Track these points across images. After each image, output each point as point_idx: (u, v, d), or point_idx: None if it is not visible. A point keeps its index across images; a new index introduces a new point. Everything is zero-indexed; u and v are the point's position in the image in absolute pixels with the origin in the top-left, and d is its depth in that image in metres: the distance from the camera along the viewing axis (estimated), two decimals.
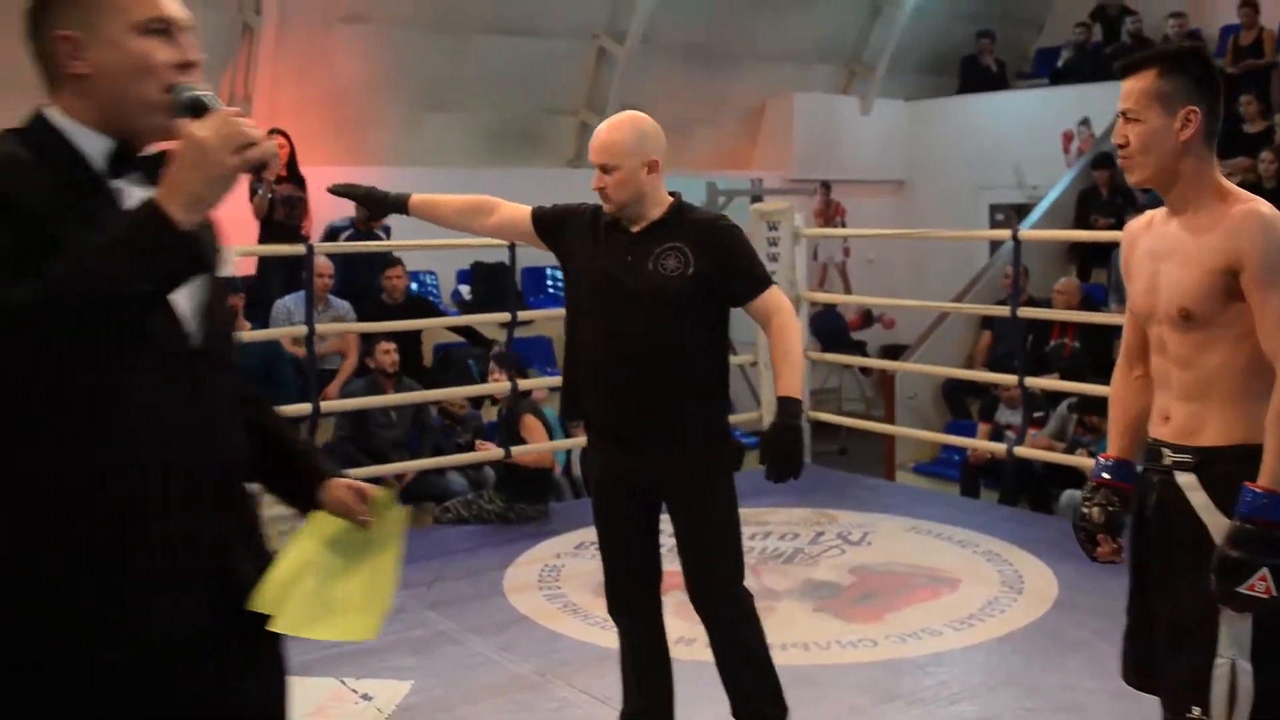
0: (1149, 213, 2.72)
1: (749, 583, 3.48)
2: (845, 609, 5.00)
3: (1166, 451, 2.58)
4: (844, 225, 12.72)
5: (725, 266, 3.28)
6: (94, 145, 1.76)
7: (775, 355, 3.29)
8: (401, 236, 9.08)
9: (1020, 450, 6.58)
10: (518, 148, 11.11)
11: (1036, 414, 7.40)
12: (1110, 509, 2.73)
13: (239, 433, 1.89)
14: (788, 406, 3.20)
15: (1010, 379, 6.77)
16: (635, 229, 3.32)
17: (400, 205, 3.64)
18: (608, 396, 3.36)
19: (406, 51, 10.05)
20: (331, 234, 8.65)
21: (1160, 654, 2.60)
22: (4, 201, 1.64)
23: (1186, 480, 2.53)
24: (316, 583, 1.84)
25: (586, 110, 11.44)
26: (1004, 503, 7.44)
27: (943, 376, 9.08)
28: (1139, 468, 2.72)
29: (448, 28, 10.17)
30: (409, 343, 7.89)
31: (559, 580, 5.45)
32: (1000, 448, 6.90)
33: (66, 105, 1.76)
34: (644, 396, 3.29)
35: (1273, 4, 10.78)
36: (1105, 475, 2.77)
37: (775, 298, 3.33)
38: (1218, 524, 2.47)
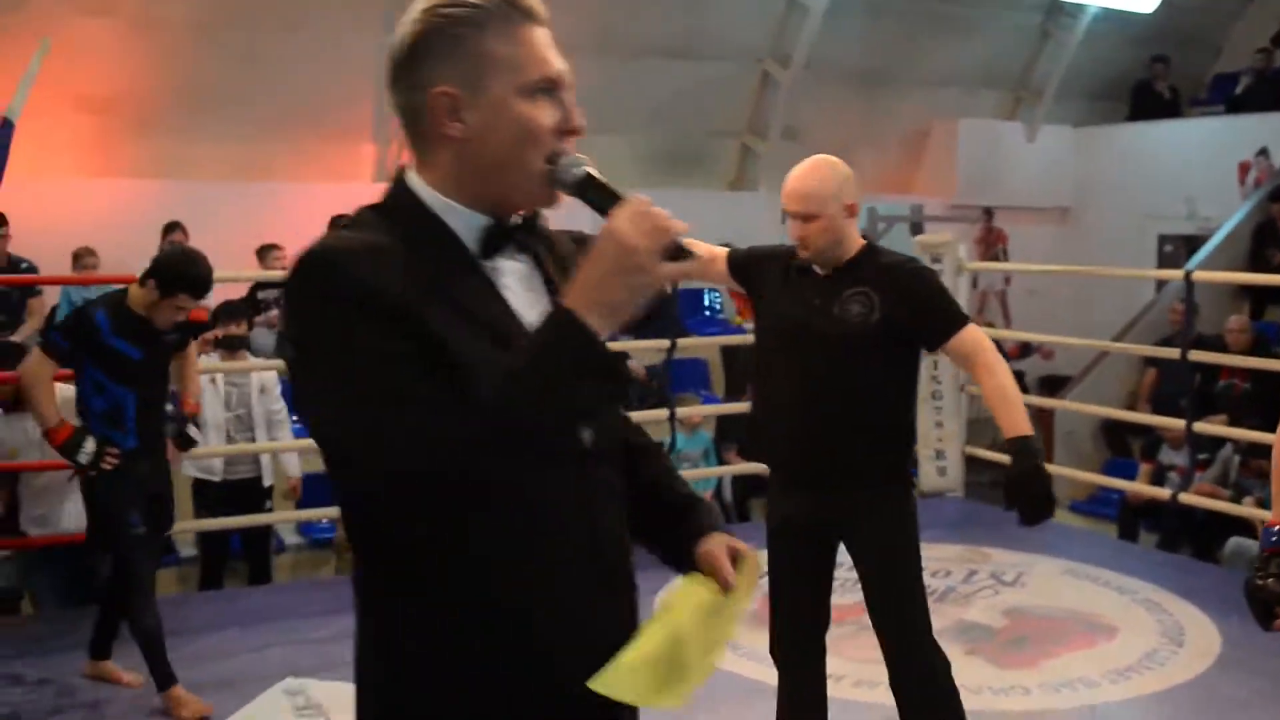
0: None
1: (859, 612, 3.46)
2: (998, 653, 4.96)
3: None
4: (1006, 252, 12.53)
5: (916, 309, 3.23)
6: (465, 222, 1.57)
7: (989, 396, 3.19)
8: None
9: (1185, 497, 6.39)
10: (680, 170, 11.22)
11: (1201, 455, 7.20)
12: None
13: (623, 528, 1.70)
14: (1024, 446, 3.07)
15: (1177, 423, 6.59)
16: (825, 272, 3.30)
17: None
18: (792, 438, 3.34)
19: (573, 74, 10.21)
20: None
21: None
22: (389, 302, 1.44)
23: None
24: (674, 651, 1.61)
25: (749, 134, 11.50)
26: (1164, 548, 7.26)
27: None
28: None
29: (613, 51, 10.31)
30: None
31: None
32: (1163, 493, 6.73)
33: (432, 172, 1.58)
34: (827, 440, 3.26)
35: None
36: (1276, 542, 2.71)
37: (974, 336, 3.23)
38: None
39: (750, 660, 4.87)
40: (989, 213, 12.51)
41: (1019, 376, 11.80)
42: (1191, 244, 11.37)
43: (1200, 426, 6.43)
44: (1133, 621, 5.32)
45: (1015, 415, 3.10)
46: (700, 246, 3.57)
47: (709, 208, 10.93)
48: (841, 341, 3.22)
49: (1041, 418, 9.72)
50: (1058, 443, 9.10)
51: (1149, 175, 12.41)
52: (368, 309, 1.43)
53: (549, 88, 1.59)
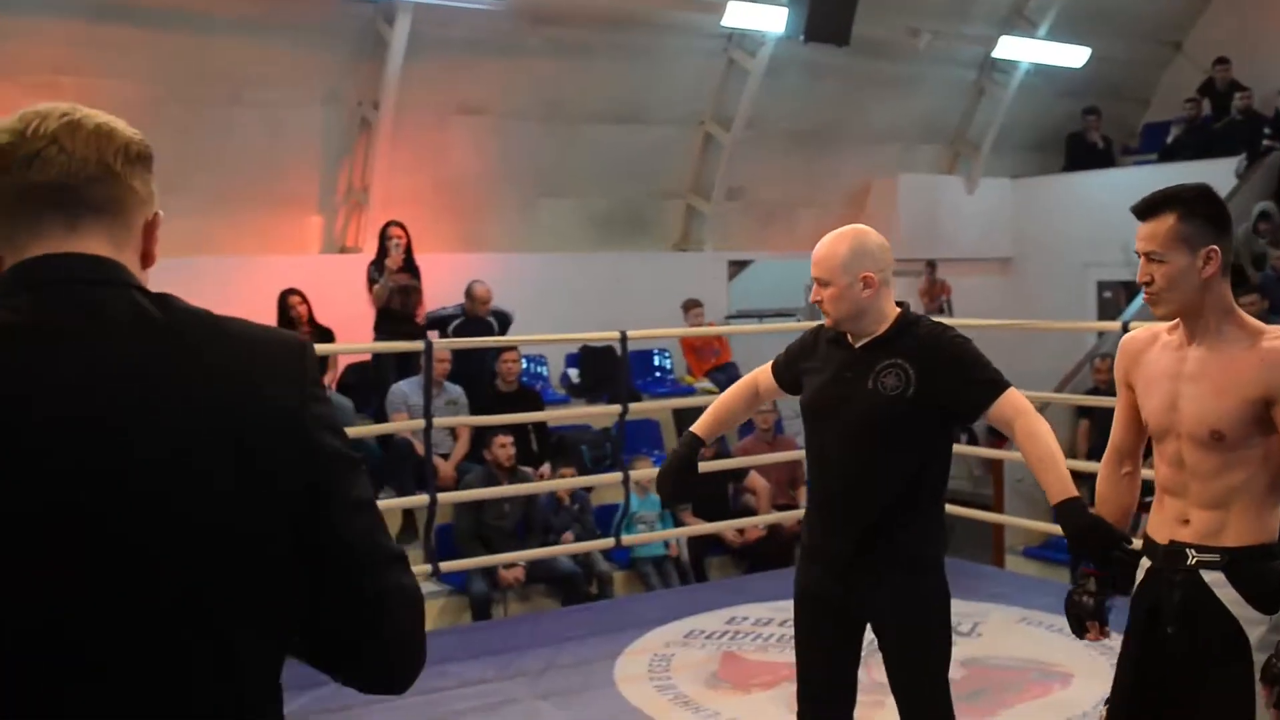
0: (1150, 327, 2.91)
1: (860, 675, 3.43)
2: (957, 706, 4.97)
3: (1191, 552, 2.75)
4: (949, 303, 12.70)
5: (953, 379, 3.17)
6: None
7: (1032, 462, 3.12)
8: (513, 325, 9.33)
9: (1135, 542, 6.47)
10: (627, 232, 11.32)
11: (1147, 499, 7.30)
12: (1100, 597, 2.95)
13: None
14: (1075, 507, 3.01)
15: None
16: (858, 345, 3.25)
17: (697, 446, 3.58)
18: (822, 515, 3.33)
19: (519, 141, 10.34)
20: (440, 321, 8.91)
21: None
22: None
23: (1214, 578, 2.71)
24: None
25: (693, 194, 11.63)
26: (1118, 592, 7.33)
27: None
28: (1149, 566, 2.88)
29: (559, 117, 10.44)
30: (521, 430, 8.07)
31: (669, 670, 5.51)
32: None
33: None
34: (855, 520, 3.21)
35: None
36: (1092, 566, 2.99)
37: (1014, 400, 3.16)
38: (1249, 617, 2.67)
39: None
40: (932, 265, 12.70)
41: (965, 427, 11.98)
42: (1131, 289, 11.58)
43: (1148, 473, 6.53)
44: (1087, 667, 5.38)
45: (1060, 478, 3.05)
46: (762, 378, 3.59)
47: (656, 268, 11.05)
48: (871, 417, 3.16)
49: (991, 466, 9.83)
50: (1008, 490, 9.19)
51: (1086, 224, 12.65)
52: None
53: None
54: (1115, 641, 5.61)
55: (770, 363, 3.59)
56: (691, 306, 10.29)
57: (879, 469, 3.19)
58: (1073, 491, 3.02)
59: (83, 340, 1.37)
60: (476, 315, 8.95)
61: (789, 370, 3.51)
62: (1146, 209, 2.75)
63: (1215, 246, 2.69)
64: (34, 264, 1.43)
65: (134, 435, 1.33)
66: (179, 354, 1.41)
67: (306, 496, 1.41)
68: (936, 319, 3.53)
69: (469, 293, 8.98)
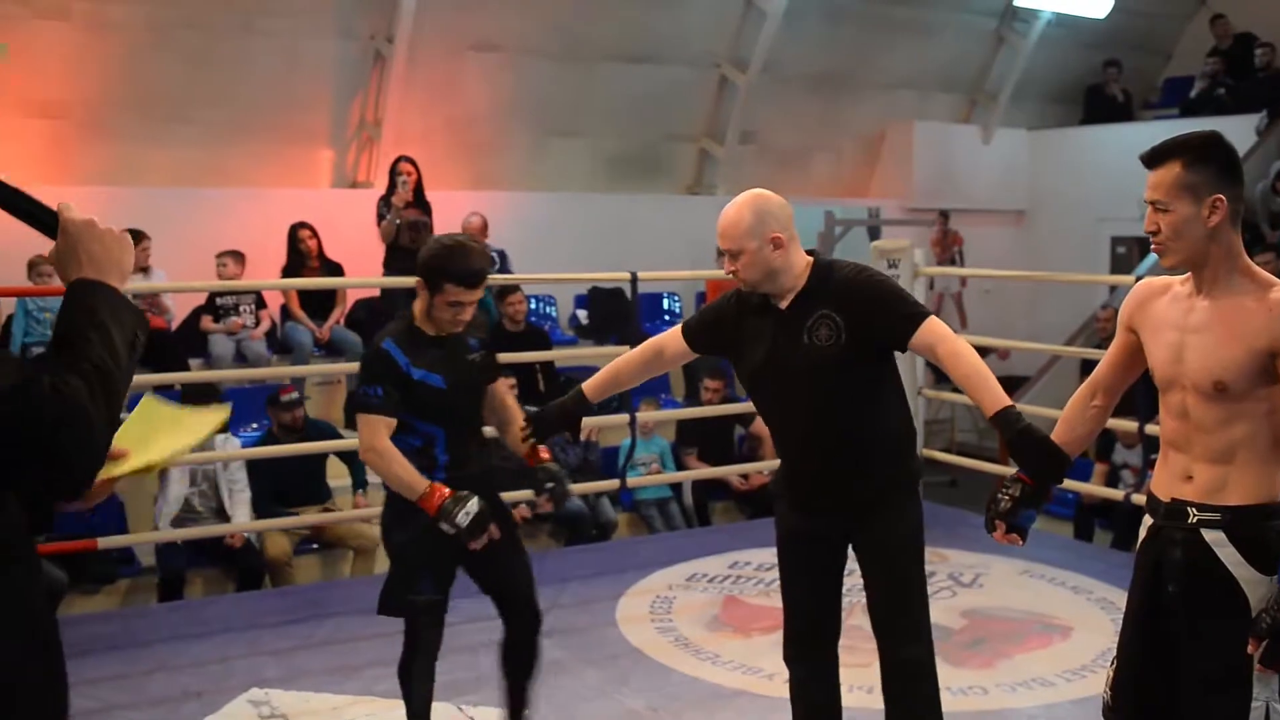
0: (1164, 278, 2.88)
1: (859, 622, 3.48)
2: (956, 654, 5.01)
3: (1192, 510, 2.74)
4: (962, 254, 12.63)
5: (877, 316, 3.22)
6: None
7: (961, 380, 3.14)
8: (519, 264, 9.29)
9: (1138, 497, 6.47)
10: (639, 174, 11.25)
11: (1154, 455, 7.28)
12: (1021, 503, 2.98)
13: None
14: (1007, 417, 3.01)
15: (1130, 424, 6.67)
16: (783, 305, 3.29)
17: (583, 404, 3.60)
18: (792, 469, 3.39)
19: (533, 79, 10.25)
20: None
21: (1187, 700, 2.76)
22: None
23: (1214, 537, 2.70)
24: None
25: (706, 138, 11.55)
26: (1119, 546, 7.35)
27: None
28: (1150, 523, 2.89)
29: (573, 56, 10.35)
30: (527, 370, 8.06)
31: (670, 613, 5.54)
32: (1117, 493, 6.82)
33: None
34: (825, 470, 3.29)
35: None
36: (1023, 472, 3.02)
37: (934, 328, 3.19)
38: (1248, 577, 2.67)
39: (715, 666, 4.92)
40: (945, 215, 12.61)
41: None
42: (1144, 245, 11.52)
43: (1152, 428, 6.53)
44: (1088, 621, 5.40)
45: (991, 392, 3.07)
46: (668, 341, 3.58)
47: (667, 211, 10.99)
48: (813, 372, 3.22)
49: None
50: None
51: (1102, 178, 12.55)
52: None
53: None
54: (1114, 595, 5.68)
55: (679, 325, 3.60)
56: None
57: (834, 416, 3.25)
58: (1006, 401, 3.05)
59: None
60: None
61: (704, 334, 3.51)
62: (1153, 157, 2.73)
63: (1221, 195, 2.66)
64: None
65: None
66: None
67: None
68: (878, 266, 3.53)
69: (465, 227, 8.81)
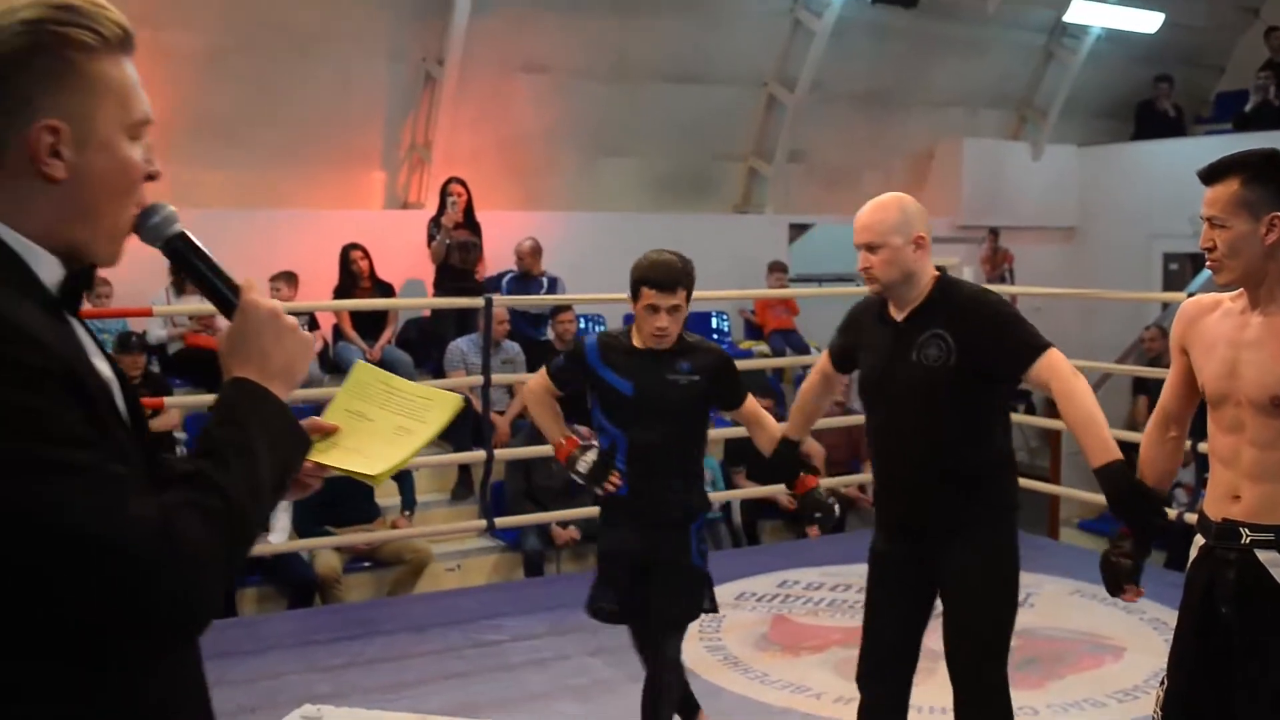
0: (1213, 295, 2.89)
1: (930, 641, 3.42)
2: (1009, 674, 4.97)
3: (1245, 530, 2.74)
4: (1012, 271, 12.56)
5: (992, 343, 3.18)
6: (48, 272, 1.34)
7: (1071, 424, 3.10)
8: (569, 283, 9.34)
9: (1191, 516, 6.41)
10: (687, 193, 11.28)
11: (1206, 474, 7.22)
12: (1136, 559, 3.01)
13: None
14: (1110, 472, 2.96)
15: None
16: (900, 317, 3.27)
17: (793, 447, 3.81)
18: (887, 488, 3.39)
19: (582, 100, 10.31)
20: (493, 281, 8.97)
21: (1249, 717, 2.75)
22: (66, 369, 1.24)
23: (1269, 557, 2.71)
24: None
25: (755, 157, 11.56)
26: (1172, 566, 7.27)
27: None
28: (1202, 543, 2.89)
29: (622, 77, 10.41)
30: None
31: (719, 632, 5.54)
32: (1170, 512, 6.75)
33: (13, 211, 1.31)
34: (917, 491, 3.27)
35: None
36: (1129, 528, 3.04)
37: (1053, 362, 3.14)
38: None
39: (764, 685, 4.92)
40: (995, 233, 12.55)
41: (1025, 395, 11.90)
42: (1197, 261, 11.39)
43: (1204, 446, 6.46)
44: (1140, 641, 5.35)
45: (1100, 440, 3.00)
46: (826, 365, 3.68)
47: (716, 230, 11.01)
48: (917, 390, 3.20)
49: (1048, 437, 9.76)
50: (1064, 462, 9.13)
51: (1154, 194, 12.43)
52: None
53: (141, 130, 1.42)
54: (1167, 615, 5.62)
55: (827, 349, 3.65)
56: (775, 269, 10.43)
57: (935, 438, 3.21)
58: (1114, 454, 3.00)
59: None
60: (527, 272, 9.01)
61: (842, 350, 3.57)
62: (1211, 174, 2.75)
63: (1278, 213, 2.66)
64: None
65: None
66: None
67: None
68: (987, 287, 3.55)
69: (518, 250, 9.04)
